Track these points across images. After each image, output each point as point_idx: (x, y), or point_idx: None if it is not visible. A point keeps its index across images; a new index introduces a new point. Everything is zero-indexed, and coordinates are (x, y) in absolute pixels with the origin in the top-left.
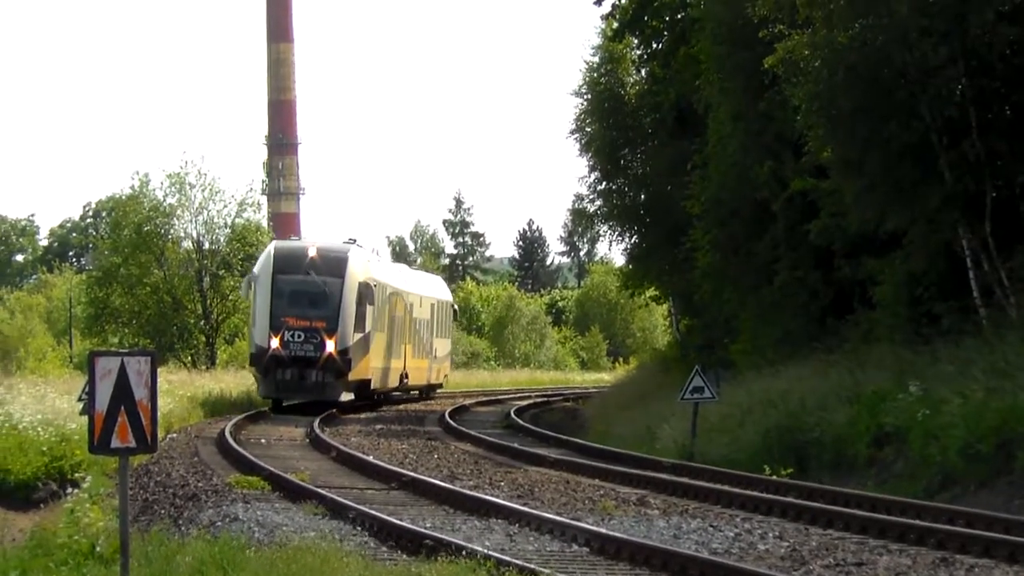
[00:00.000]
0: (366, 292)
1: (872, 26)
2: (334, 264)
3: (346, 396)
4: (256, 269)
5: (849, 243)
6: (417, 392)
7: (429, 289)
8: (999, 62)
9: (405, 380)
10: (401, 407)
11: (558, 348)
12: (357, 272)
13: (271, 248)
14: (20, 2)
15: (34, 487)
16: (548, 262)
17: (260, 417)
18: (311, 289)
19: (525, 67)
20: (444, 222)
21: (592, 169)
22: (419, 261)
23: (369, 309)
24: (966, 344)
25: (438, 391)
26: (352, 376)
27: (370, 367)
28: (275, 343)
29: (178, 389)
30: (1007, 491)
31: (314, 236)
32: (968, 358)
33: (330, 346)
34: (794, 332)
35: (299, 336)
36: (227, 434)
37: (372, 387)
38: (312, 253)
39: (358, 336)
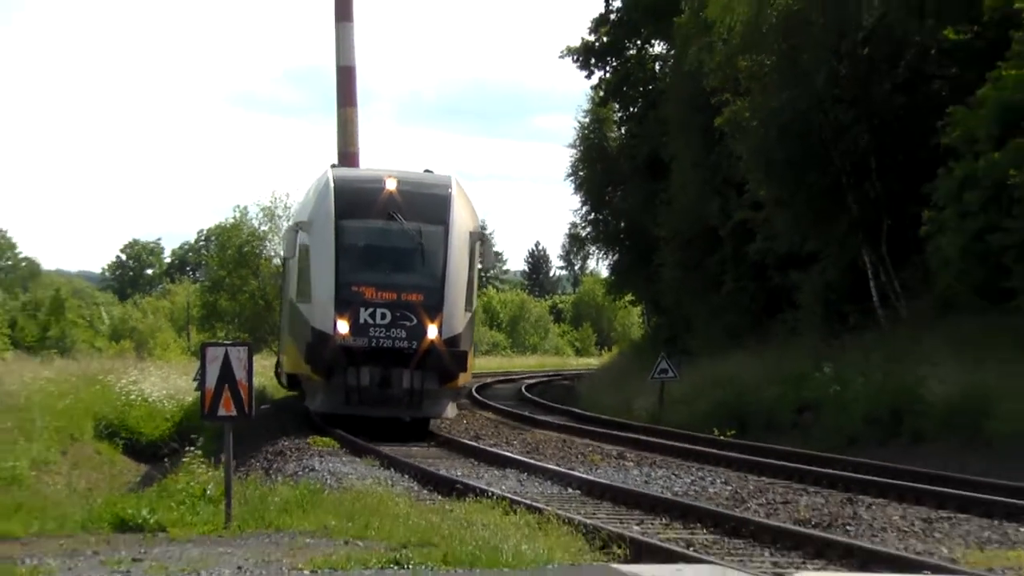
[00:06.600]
0: (476, 248)
1: (797, 95)
2: (431, 203)
3: (451, 411)
4: (306, 212)
5: (779, 260)
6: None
7: None
8: (895, 121)
9: None
10: None
11: (558, 339)
12: (465, 216)
13: (328, 177)
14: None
15: (160, 446)
16: (551, 274)
17: None
18: (398, 243)
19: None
20: None
21: (583, 203)
22: None
23: (476, 275)
24: (867, 337)
25: None
26: (462, 380)
27: (473, 365)
28: (343, 327)
29: (269, 371)
30: (898, 449)
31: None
32: (869, 347)
33: (432, 332)
34: (737, 328)
35: (383, 316)
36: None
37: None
38: (391, 186)
39: (467, 317)
